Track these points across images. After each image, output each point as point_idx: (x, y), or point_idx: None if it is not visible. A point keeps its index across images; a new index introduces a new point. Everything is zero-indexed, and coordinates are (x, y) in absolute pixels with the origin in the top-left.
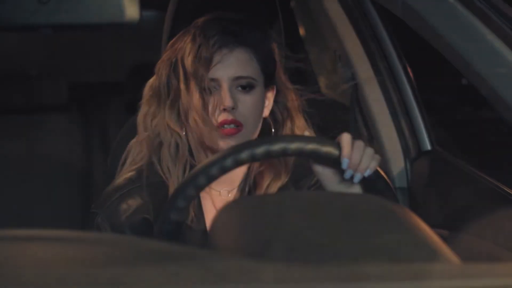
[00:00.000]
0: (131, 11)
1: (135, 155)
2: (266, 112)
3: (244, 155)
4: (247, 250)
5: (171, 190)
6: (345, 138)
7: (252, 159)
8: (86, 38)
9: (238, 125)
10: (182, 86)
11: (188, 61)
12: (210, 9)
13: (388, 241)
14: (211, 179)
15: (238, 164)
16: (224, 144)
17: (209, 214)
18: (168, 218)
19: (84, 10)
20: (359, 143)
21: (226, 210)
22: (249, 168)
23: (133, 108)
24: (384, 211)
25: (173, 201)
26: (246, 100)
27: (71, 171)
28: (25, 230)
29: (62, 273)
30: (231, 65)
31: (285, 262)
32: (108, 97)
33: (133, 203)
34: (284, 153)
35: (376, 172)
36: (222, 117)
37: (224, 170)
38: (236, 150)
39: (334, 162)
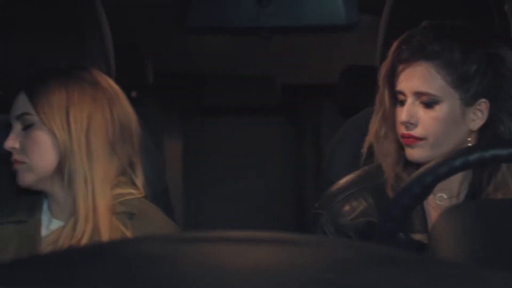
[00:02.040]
0: (351, 14)
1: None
2: (473, 126)
3: (473, 157)
4: (469, 256)
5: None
6: None
7: (481, 162)
8: (298, 40)
9: (415, 139)
10: (380, 93)
11: (383, 71)
12: (426, 15)
13: None
14: (438, 179)
15: (467, 166)
16: (408, 152)
17: (430, 219)
18: (391, 215)
19: (304, 13)
20: None
21: (447, 215)
22: (471, 175)
23: (346, 111)
24: None
25: (399, 199)
26: (428, 116)
27: (284, 171)
28: (242, 232)
29: (282, 276)
30: (413, 80)
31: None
32: (320, 99)
33: (357, 205)
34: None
35: None
36: (402, 130)
37: (452, 171)
38: (466, 151)
39: None
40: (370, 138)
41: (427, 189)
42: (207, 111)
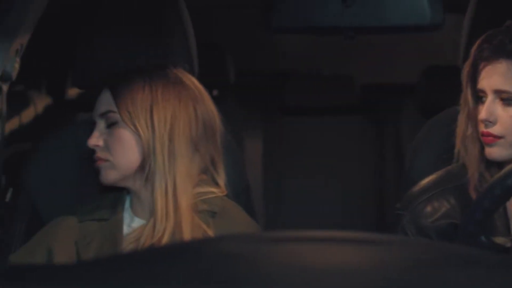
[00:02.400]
0: (435, 14)
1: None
2: None
3: None
4: None
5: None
6: None
7: None
8: (378, 40)
9: (494, 137)
10: (464, 92)
11: (466, 69)
12: (510, 15)
13: None
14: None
15: None
16: (488, 151)
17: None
18: (473, 218)
19: (388, 13)
20: None
21: None
22: None
23: (427, 111)
24: None
25: (480, 201)
26: (507, 115)
27: (364, 171)
28: (326, 231)
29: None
30: (493, 78)
31: None
32: (400, 99)
33: (439, 206)
34: None
35: None
36: (481, 128)
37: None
38: None
39: None
40: (458, 137)
41: (509, 191)
42: (288, 110)
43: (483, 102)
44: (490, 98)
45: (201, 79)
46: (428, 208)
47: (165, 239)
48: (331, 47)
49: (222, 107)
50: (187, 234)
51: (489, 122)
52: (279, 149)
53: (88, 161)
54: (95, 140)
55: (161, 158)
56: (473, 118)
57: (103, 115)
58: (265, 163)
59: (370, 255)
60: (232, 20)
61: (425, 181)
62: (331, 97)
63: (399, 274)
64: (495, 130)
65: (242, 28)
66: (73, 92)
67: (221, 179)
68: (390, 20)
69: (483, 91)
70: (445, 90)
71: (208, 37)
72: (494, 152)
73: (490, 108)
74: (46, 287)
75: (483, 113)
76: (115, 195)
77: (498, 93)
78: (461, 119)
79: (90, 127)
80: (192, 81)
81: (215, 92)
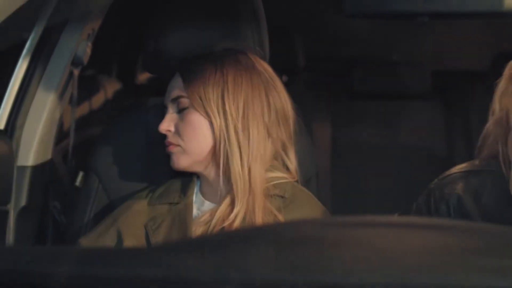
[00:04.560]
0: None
1: (490, 139)
2: None
3: None
4: None
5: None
6: None
7: None
8: (449, 25)
9: None
10: None
11: None
12: None
13: None
14: None
15: None
16: None
17: None
18: None
19: None
20: None
21: None
22: None
23: None
24: None
25: None
26: None
27: (433, 158)
28: (398, 217)
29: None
30: None
31: None
32: (470, 86)
33: (471, 182)
34: None
35: None
36: None
37: None
38: None
39: None
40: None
41: None
42: (357, 95)
43: None
44: None
45: (271, 64)
46: (459, 182)
47: (236, 223)
48: (401, 32)
49: (291, 92)
50: (259, 218)
51: None
52: (347, 134)
53: (158, 145)
54: (167, 125)
55: (235, 144)
56: None
57: (175, 100)
58: (333, 149)
59: (442, 240)
60: (302, 4)
61: (468, 163)
62: (400, 83)
63: (472, 258)
64: None
65: (312, 12)
66: (143, 77)
67: (292, 165)
68: (464, 6)
69: None
70: None
71: (278, 21)
72: None
73: None
74: (116, 270)
75: None
76: (185, 180)
77: None
78: None
79: (160, 112)
80: (264, 67)
81: (284, 78)
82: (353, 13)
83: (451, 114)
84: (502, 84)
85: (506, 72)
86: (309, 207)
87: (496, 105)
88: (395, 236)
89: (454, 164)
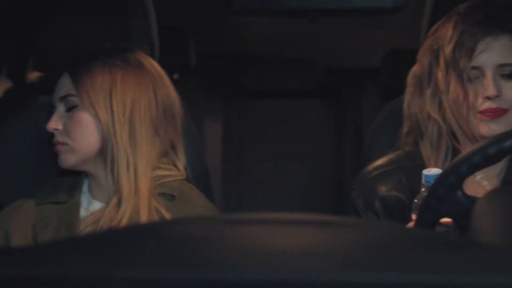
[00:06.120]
0: None
1: (402, 140)
2: None
3: (509, 143)
4: (508, 239)
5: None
6: None
7: None
8: (340, 22)
9: (502, 112)
10: (440, 74)
11: (448, 49)
12: None
13: None
14: (473, 168)
15: (502, 153)
16: (485, 129)
17: None
18: (429, 206)
19: None
20: None
21: (486, 199)
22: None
23: (388, 94)
24: None
25: (435, 189)
26: (510, 87)
27: (324, 154)
28: (283, 214)
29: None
30: (495, 53)
31: None
32: (362, 83)
33: (390, 180)
34: None
35: None
36: (485, 105)
37: (487, 160)
38: (500, 138)
39: None
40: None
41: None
42: (249, 93)
43: (471, 80)
44: (490, 73)
45: (161, 63)
46: (379, 182)
47: (123, 222)
48: (293, 30)
49: (183, 90)
50: (144, 217)
51: (496, 97)
52: (239, 132)
53: (48, 144)
54: (54, 123)
55: (122, 142)
56: (459, 99)
57: (63, 98)
58: (225, 146)
59: (329, 237)
60: (193, 2)
61: (381, 160)
62: (292, 81)
63: (358, 255)
64: (503, 104)
65: (203, 10)
66: (34, 75)
67: (181, 163)
68: (352, 2)
69: (479, 68)
70: (406, 74)
71: (169, 20)
72: (498, 128)
73: (496, 82)
74: (2, 270)
75: (491, 89)
76: (73, 179)
77: (501, 67)
78: (424, 101)
79: (50, 111)
80: (152, 65)
81: (175, 76)
82: (242, 11)
83: (343, 110)
84: (406, 95)
85: (410, 80)
86: (196, 205)
87: (405, 115)
88: (282, 233)
89: (345, 159)
